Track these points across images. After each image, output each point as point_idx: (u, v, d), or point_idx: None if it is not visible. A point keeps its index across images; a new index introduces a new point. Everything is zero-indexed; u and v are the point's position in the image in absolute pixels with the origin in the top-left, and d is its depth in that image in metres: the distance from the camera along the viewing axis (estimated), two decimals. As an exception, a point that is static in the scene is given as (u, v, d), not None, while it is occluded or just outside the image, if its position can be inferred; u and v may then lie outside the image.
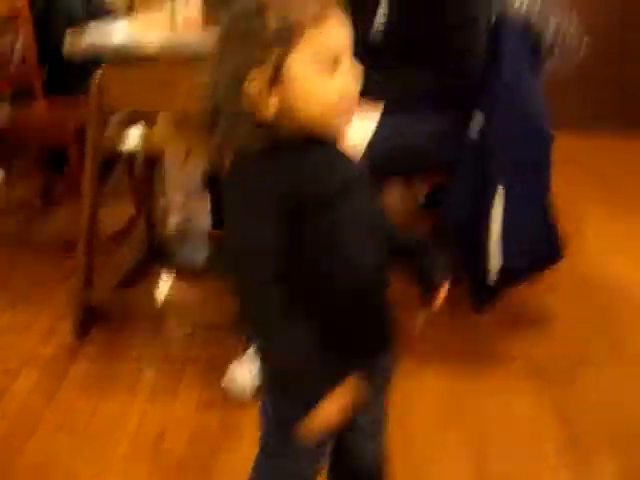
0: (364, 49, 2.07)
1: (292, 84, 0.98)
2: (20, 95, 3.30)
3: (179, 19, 2.65)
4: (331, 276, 1.05)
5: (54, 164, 3.24)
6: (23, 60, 3.17)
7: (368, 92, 2.01)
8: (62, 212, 3.24)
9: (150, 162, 2.71)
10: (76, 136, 2.67)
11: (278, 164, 0.99)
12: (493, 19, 2.13)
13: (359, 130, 1.94)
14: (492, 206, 2.06)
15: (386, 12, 2.06)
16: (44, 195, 3.35)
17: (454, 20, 2.00)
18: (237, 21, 1.00)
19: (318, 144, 1.02)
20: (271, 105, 0.98)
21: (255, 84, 0.97)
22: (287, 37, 0.96)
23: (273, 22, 0.96)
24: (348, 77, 1.01)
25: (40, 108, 3.08)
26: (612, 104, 4.50)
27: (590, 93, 4.39)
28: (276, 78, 0.97)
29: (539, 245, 2.15)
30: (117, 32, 2.44)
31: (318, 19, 0.97)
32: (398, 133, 1.99)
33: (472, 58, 2.03)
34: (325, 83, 0.98)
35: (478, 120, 2.10)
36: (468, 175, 2.11)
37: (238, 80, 0.98)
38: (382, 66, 2.04)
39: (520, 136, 2.10)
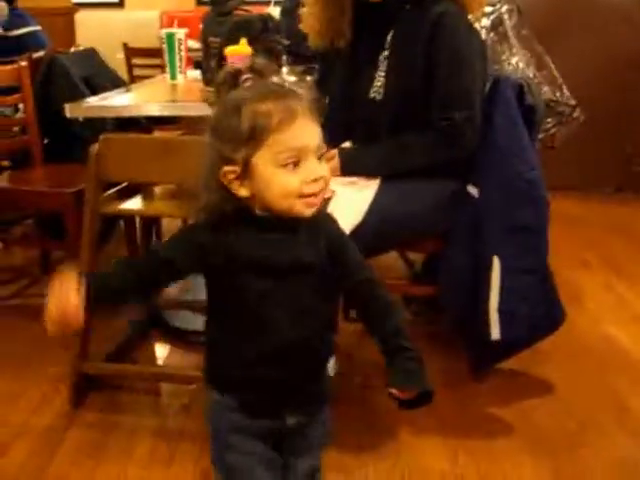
0: (361, 114, 2.11)
1: (257, 178, 1.14)
2: (20, 162, 3.34)
3: (179, 86, 2.72)
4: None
5: (53, 230, 3.25)
6: (24, 129, 3.22)
7: (364, 165, 2.06)
8: (60, 279, 3.22)
9: (148, 228, 2.72)
10: (74, 203, 2.68)
11: (217, 223, 1.18)
12: (488, 85, 2.16)
13: (356, 202, 1.95)
14: (490, 275, 2.06)
15: (383, 78, 2.09)
16: (42, 263, 3.35)
17: (449, 96, 2.02)
18: (219, 118, 1.17)
19: (272, 223, 1.18)
20: (242, 192, 1.16)
21: (227, 177, 1.15)
22: (254, 140, 1.12)
23: (244, 125, 1.12)
24: (310, 172, 1.14)
25: (38, 175, 3.11)
26: (608, 169, 4.55)
27: (587, 158, 4.44)
28: (244, 173, 1.14)
29: (540, 312, 2.14)
30: (118, 99, 2.48)
31: (283, 124, 1.12)
32: (394, 203, 2.01)
33: (468, 136, 2.04)
34: (286, 178, 1.13)
35: (473, 188, 2.12)
36: (464, 244, 2.12)
37: (214, 173, 1.16)
38: (377, 134, 2.07)
39: (516, 202, 2.11)
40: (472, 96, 2.04)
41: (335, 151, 2.07)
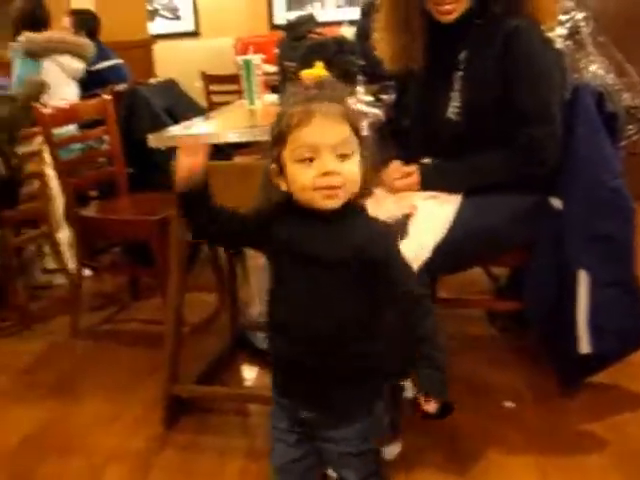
0: (439, 133, 2.11)
1: (286, 173, 1.31)
2: (106, 192, 3.45)
3: (258, 111, 2.76)
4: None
5: (141, 257, 3.34)
6: (109, 160, 3.33)
7: (444, 181, 2.05)
8: (149, 305, 3.33)
9: (233, 252, 2.76)
10: (159, 230, 2.75)
11: (269, 213, 1.37)
12: (567, 95, 2.12)
13: (438, 218, 1.94)
14: (576, 287, 2.03)
15: (458, 97, 2.08)
16: (131, 289, 3.46)
17: (528, 112, 2.00)
18: (271, 127, 1.34)
19: (306, 214, 1.31)
20: (282, 186, 1.33)
21: (272, 174, 1.33)
22: (281, 139, 1.29)
23: (277, 128, 1.30)
24: (321, 167, 1.26)
25: (124, 204, 3.21)
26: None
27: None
28: (280, 169, 1.32)
29: (629, 324, 2.09)
30: (199, 127, 2.54)
31: (300, 124, 1.26)
32: (477, 216, 1.99)
33: (550, 150, 2.02)
34: (302, 172, 1.27)
35: (556, 200, 2.09)
36: (549, 257, 2.09)
37: (266, 174, 1.35)
38: (457, 152, 2.06)
39: (600, 212, 2.07)
40: (551, 109, 2.01)
41: (415, 167, 2.08)
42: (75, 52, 4.02)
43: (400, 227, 1.87)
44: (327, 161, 1.25)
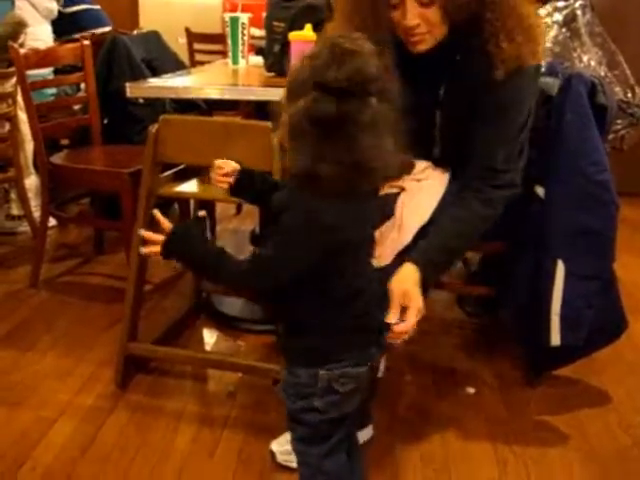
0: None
1: None
2: (79, 141, 3.36)
3: (241, 71, 2.69)
4: None
5: (109, 210, 3.26)
6: (84, 108, 3.22)
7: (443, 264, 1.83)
8: (113, 259, 3.26)
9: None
10: (131, 184, 2.67)
11: None
12: (560, 82, 2.05)
13: (423, 201, 1.80)
14: (552, 278, 1.99)
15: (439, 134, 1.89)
16: (96, 242, 3.37)
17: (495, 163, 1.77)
18: None
19: None
20: None
21: None
22: None
23: None
24: None
25: (96, 154, 3.11)
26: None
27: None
28: None
29: (602, 319, 2.06)
30: (179, 80, 2.47)
31: None
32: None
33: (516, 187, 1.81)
34: None
35: (540, 188, 2.04)
36: (528, 245, 2.05)
37: None
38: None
39: (584, 205, 2.01)
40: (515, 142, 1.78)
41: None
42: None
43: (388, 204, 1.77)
44: None
